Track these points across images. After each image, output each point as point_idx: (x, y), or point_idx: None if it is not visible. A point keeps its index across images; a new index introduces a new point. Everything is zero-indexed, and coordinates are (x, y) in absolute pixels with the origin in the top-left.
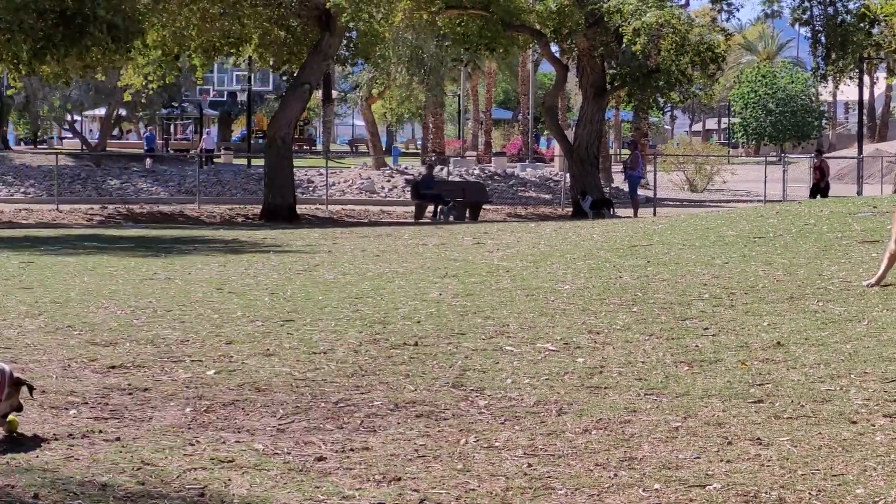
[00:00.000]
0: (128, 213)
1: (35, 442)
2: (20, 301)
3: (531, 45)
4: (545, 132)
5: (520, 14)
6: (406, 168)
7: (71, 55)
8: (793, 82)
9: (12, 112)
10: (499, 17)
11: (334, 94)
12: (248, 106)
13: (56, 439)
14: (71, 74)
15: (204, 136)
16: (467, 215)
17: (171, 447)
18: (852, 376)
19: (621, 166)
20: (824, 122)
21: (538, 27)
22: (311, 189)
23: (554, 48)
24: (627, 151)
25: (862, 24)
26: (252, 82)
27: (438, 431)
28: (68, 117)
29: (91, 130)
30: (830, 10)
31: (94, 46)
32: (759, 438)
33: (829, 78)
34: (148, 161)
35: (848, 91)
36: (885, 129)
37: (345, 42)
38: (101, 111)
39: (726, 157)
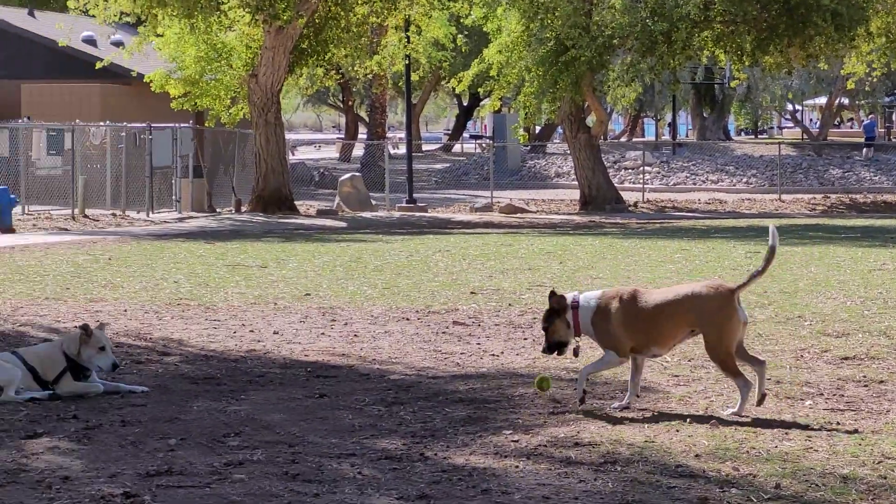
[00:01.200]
0: (850, 202)
1: (773, 432)
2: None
3: None
4: None
5: None
6: None
7: (794, 45)
8: None
9: (734, 103)
10: None
11: None
12: None
13: (794, 429)
14: (793, 64)
15: None
16: None
17: None
18: None
19: None
20: None
21: None
22: None
23: None
24: None
25: None
26: None
27: None
28: (788, 106)
29: (811, 119)
30: None
31: (816, 35)
32: None
33: None
34: (865, 150)
35: None
36: None
37: None
38: (822, 100)
39: None
